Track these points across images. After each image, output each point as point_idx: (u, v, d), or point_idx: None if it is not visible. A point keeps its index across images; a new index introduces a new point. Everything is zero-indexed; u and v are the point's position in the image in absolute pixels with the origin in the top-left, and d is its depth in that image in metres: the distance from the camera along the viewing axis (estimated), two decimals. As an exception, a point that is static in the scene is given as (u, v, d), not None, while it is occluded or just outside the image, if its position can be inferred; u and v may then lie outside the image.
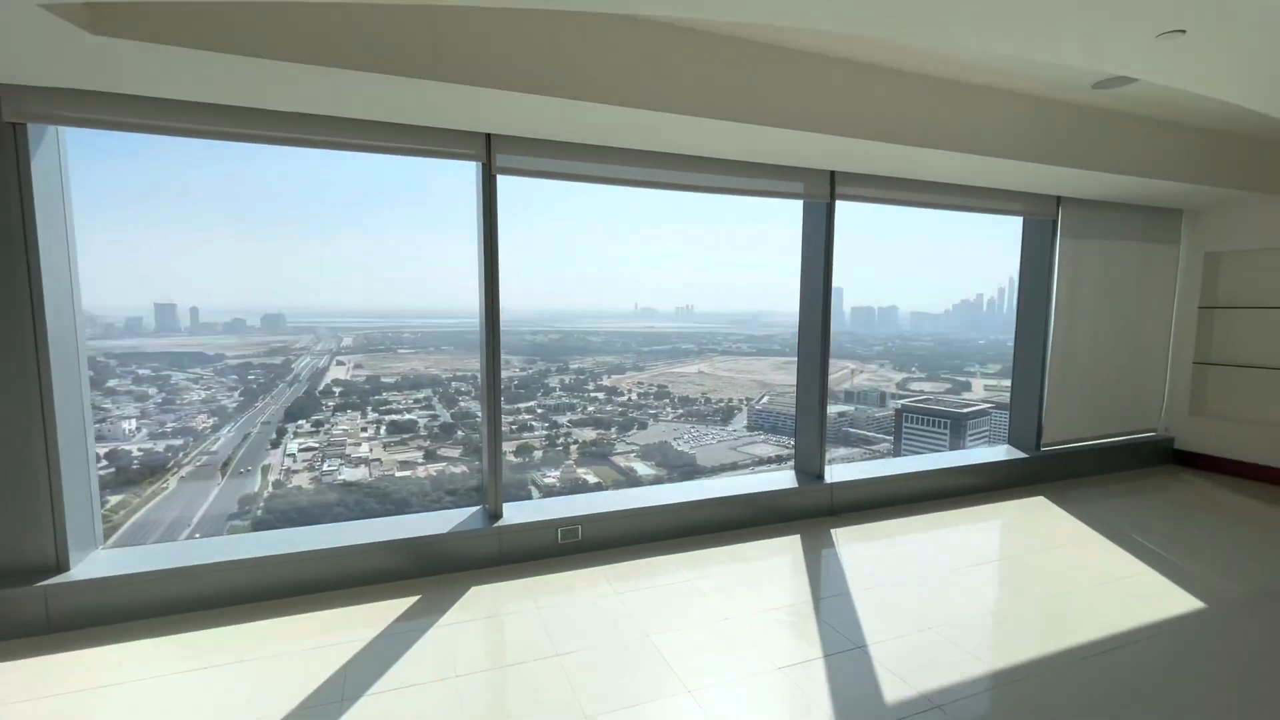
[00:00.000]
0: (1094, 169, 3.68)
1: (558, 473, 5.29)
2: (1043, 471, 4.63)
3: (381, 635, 2.45)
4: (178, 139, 2.50)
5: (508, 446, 5.54)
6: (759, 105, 2.81)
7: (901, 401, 6.52)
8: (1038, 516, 3.91)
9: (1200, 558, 3.28)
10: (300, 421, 5.03)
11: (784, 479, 3.94)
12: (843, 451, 5.99)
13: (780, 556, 3.27)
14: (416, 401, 5.23)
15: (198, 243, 5.35)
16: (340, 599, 2.72)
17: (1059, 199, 4.45)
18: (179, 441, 4.62)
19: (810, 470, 4.01)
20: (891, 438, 6.23)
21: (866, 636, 2.46)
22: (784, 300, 4.41)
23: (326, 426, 5.02)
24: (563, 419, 5.47)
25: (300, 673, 2.20)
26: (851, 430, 6.27)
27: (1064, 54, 2.20)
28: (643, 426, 5.83)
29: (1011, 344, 4.91)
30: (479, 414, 5.41)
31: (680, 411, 6.09)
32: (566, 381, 5.71)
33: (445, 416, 5.24)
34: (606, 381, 6.00)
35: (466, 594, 2.80)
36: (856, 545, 3.42)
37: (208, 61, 2.06)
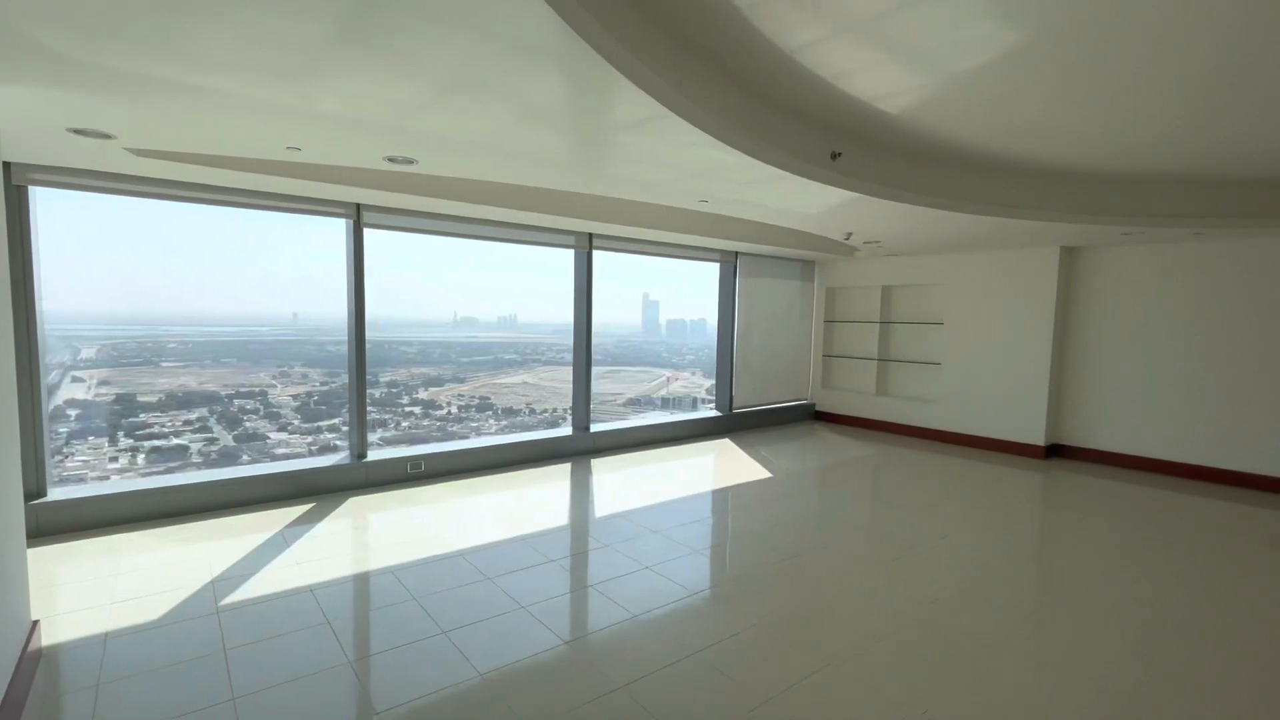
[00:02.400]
0: (751, 241, 6.04)
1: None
2: (734, 425, 7.07)
3: (295, 522, 3.79)
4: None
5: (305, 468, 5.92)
6: (544, 201, 4.58)
7: (711, 406, 7.38)
8: (722, 450, 6.16)
9: (801, 461, 5.71)
10: None
11: (564, 431, 5.82)
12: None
13: (558, 476, 5.03)
14: (187, 424, 4.66)
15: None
16: (255, 510, 3.96)
17: (737, 253, 6.89)
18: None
19: (581, 426, 5.88)
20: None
21: (591, 521, 3.97)
22: (604, 313, 5.61)
23: (59, 460, 4.02)
24: (373, 436, 5.05)
25: (250, 537, 3.49)
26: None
27: (669, 201, 4.25)
28: (464, 439, 5.64)
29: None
30: (270, 435, 5.32)
31: (504, 423, 6.14)
32: (377, 396, 5.27)
33: (227, 440, 4.75)
34: (423, 395, 5.89)
35: (346, 501, 4.21)
36: (607, 470, 5.27)
37: (197, 170, 3.34)
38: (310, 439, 5.01)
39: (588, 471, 5.17)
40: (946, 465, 5.66)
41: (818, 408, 8.00)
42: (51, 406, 4.42)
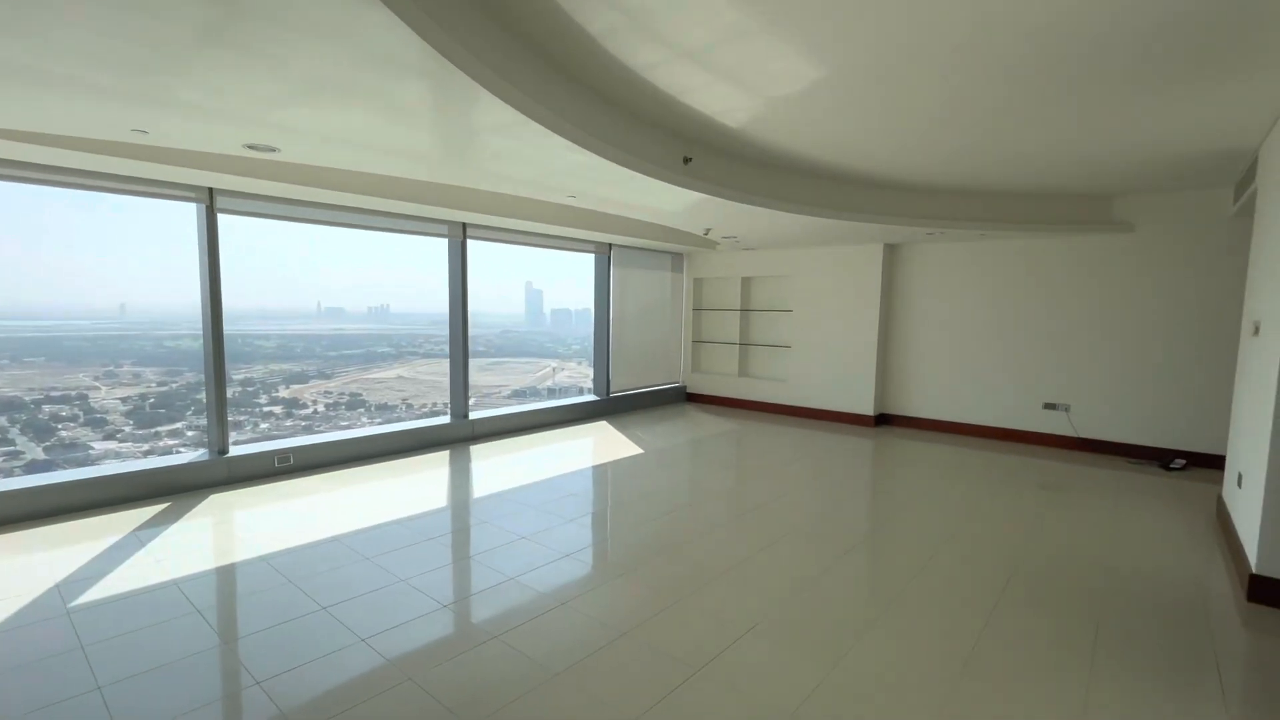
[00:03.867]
0: (623, 234, 6.41)
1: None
2: (611, 408, 7.46)
3: (151, 522, 3.61)
4: None
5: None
6: (417, 191, 4.61)
7: (594, 397, 7.44)
8: (599, 431, 6.51)
9: (671, 439, 6.22)
10: None
11: (443, 420, 5.81)
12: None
13: (436, 463, 5.08)
14: None
15: None
16: (106, 512, 3.71)
17: (610, 245, 7.26)
18: None
19: (460, 413, 5.91)
20: None
21: (473, 499, 4.18)
22: (484, 302, 5.53)
23: None
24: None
25: (91, 547, 3.24)
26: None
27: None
28: (337, 431, 5.41)
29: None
30: (94, 445, 4.82)
31: (378, 420, 5.87)
32: (231, 395, 4.69)
33: (36, 452, 4.24)
34: (284, 393, 5.62)
35: (207, 499, 4.03)
36: (486, 454, 5.39)
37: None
38: (146, 446, 4.54)
39: (467, 457, 5.28)
40: (794, 435, 6.44)
41: (689, 390, 8.62)
42: None
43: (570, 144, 3.13)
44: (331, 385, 5.94)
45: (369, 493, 4.24)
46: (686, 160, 3.99)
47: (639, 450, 5.66)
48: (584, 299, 7.58)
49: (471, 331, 5.86)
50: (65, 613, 2.58)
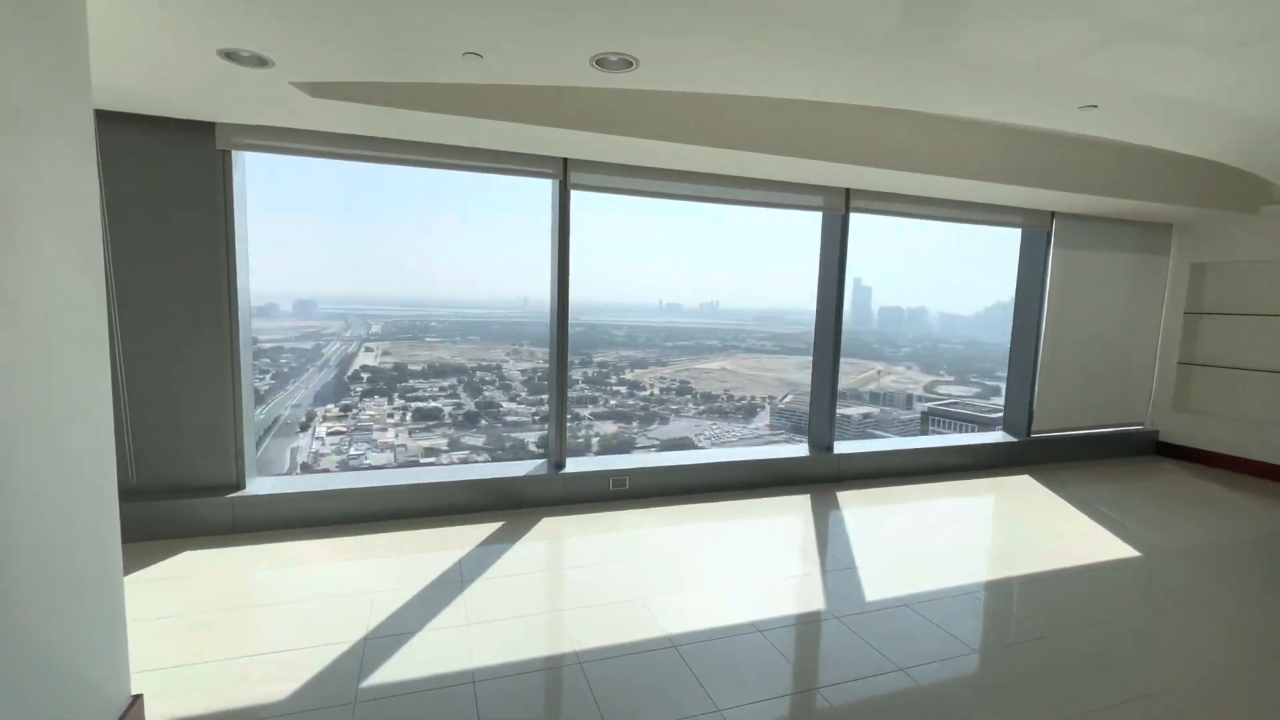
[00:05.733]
0: (1081, 192, 4.07)
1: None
2: (1031, 454, 5.06)
3: (480, 545, 3.16)
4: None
5: (529, 436, 5.82)
6: (787, 140, 3.36)
7: (929, 405, 6.42)
8: (1021, 491, 4.35)
9: (1175, 529, 3.67)
10: (329, 406, 5.22)
11: (799, 450, 4.52)
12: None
13: (794, 508, 3.89)
14: (442, 390, 5.40)
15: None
16: (443, 522, 3.43)
17: (1053, 214, 4.84)
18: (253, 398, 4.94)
19: (821, 444, 4.53)
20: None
21: (857, 561, 3.08)
22: (809, 299, 4.73)
23: (354, 412, 5.21)
24: (585, 411, 5.51)
25: (426, 565, 2.90)
26: (876, 432, 6.22)
27: (1013, 118, 2.90)
28: (664, 421, 5.87)
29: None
30: (503, 404, 5.64)
31: (702, 408, 6.06)
32: (590, 374, 5.73)
33: (470, 405, 5.41)
34: (629, 375, 6.11)
35: (540, 522, 3.51)
36: (857, 504, 3.97)
37: (379, 112, 2.76)
38: (534, 410, 5.42)
39: (834, 511, 3.84)
40: None
41: (1163, 437, 5.54)
42: (349, 372, 5.40)
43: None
44: (665, 372, 6.29)
45: (710, 550, 3.19)
46: None
47: (1125, 548, 3.36)
48: (917, 296, 7.01)
49: (793, 329, 5.60)
50: (352, 700, 1.94)
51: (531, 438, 5.38)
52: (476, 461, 4.45)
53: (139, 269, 2.98)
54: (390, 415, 5.22)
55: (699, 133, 3.16)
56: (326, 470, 4.96)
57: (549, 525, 3.46)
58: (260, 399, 5.24)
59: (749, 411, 6.10)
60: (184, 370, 3.10)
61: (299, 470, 4.84)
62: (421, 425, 5.23)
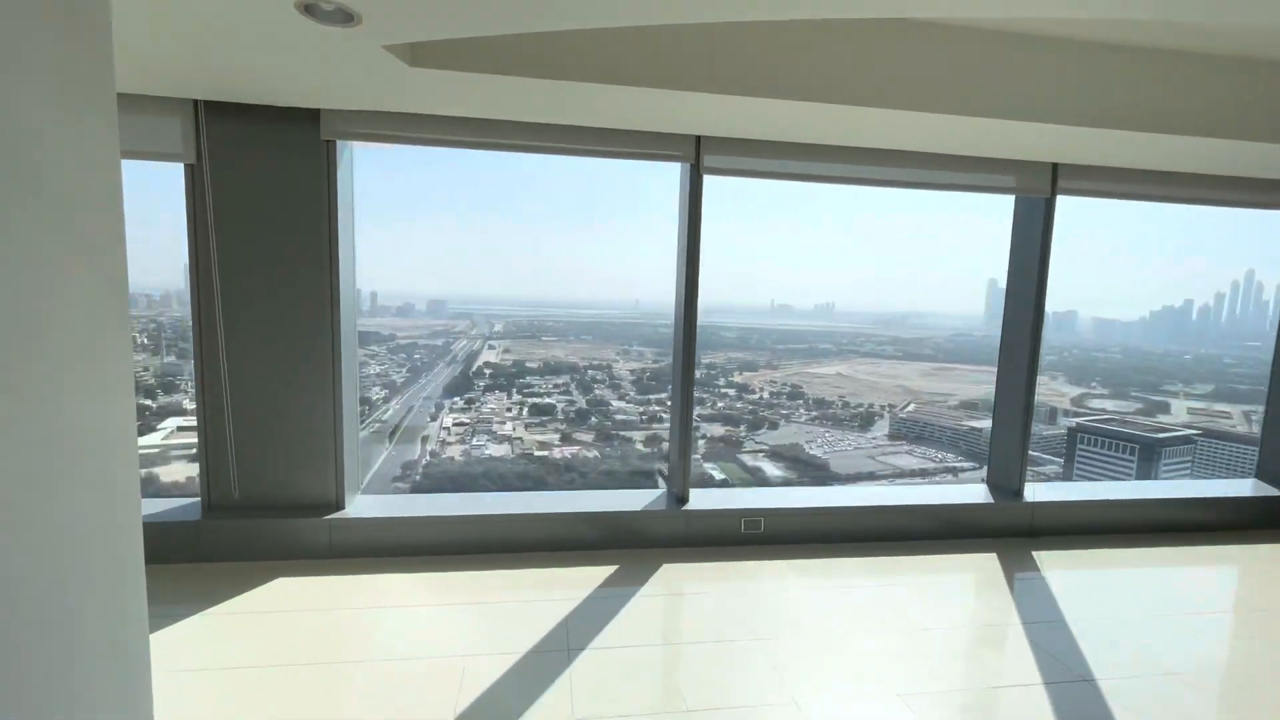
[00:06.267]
0: None
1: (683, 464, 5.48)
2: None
3: (590, 598, 2.75)
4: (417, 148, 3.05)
5: (636, 435, 5.94)
6: (972, 95, 2.63)
7: (1076, 420, 5.78)
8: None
9: None
10: (455, 399, 5.65)
11: (975, 493, 3.73)
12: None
13: (976, 573, 3.14)
14: (555, 386, 5.67)
15: (382, 237, 6.27)
16: (550, 560, 3.10)
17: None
18: (359, 409, 5.52)
19: (1006, 487, 3.76)
20: (1061, 460, 5.53)
21: (1093, 670, 2.29)
22: (945, 301, 4.31)
23: (477, 405, 5.61)
24: (692, 413, 5.80)
25: (527, 621, 2.55)
26: None
27: None
28: (773, 426, 5.74)
29: (1228, 360, 4.34)
30: (612, 403, 5.80)
31: (814, 414, 5.89)
32: (698, 376, 5.87)
33: (581, 403, 5.60)
34: (738, 378, 6.07)
35: (659, 570, 3.05)
36: (1065, 571, 3.16)
37: (486, 83, 2.45)
38: (641, 409, 5.59)
39: (1036, 581, 3.06)
40: None
41: None
42: (474, 368, 5.81)
43: None
44: (776, 375, 6.22)
45: (872, 631, 2.54)
46: None
47: None
48: (1064, 298, 5.96)
49: (919, 334, 5.39)
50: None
51: (639, 436, 5.52)
52: (587, 475, 4.53)
53: (244, 273, 2.86)
54: (509, 409, 5.54)
55: (851, 91, 2.59)
56: (451, 457, 5.36)
57: (670, 575, 2.99)
58: (396, 390, 5.78)
59: (866, 420, 5.88)
60: (286, 379, 2.94)
61: (428, 456, 5.26)
62: (536, 420, 5.50)
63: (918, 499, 3.62)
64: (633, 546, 3.29)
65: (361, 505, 3.19)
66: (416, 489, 5.02)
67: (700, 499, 3.46)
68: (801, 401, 6.02)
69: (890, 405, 5.90)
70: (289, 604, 2.62)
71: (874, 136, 3.04)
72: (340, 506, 3.10)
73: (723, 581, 2.96)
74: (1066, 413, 5.89)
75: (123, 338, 1.23)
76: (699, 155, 3.19)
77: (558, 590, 2.82)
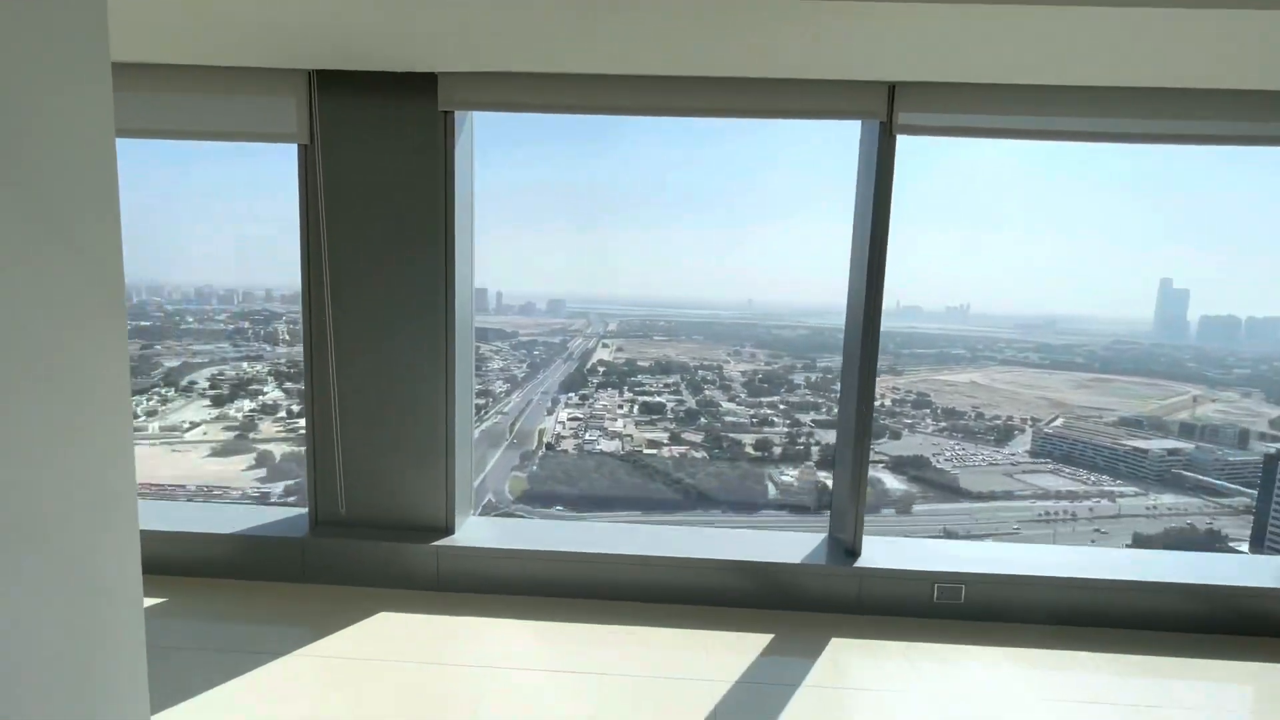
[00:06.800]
0: None
1: (796, 472, 5.33)
2: None
3: (741, 680, 2.23)
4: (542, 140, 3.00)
5: (746, 438, 5.82)
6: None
7: (1278, 445, 4.98)
8: None
9: None
10: (570, 394, 5.91)
11: (1263, 572, 2.76)
12: (1168, 500, 4.85)
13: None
14: (666, 386, 5.77)
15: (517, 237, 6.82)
16: (687, 616, 2.63)
17: None
18: (480, 401, 5.88)
19: None
20: (1255, 492, 4.72)
21: None
22: (1109, 304, 3.79)
23: (590, 401, 5.74)
24: (805, 418, 5.44)
25: (662, 705, 2.10)
26: (1186, 474, 4.95)
27: None
28: (895, 436, 5.52)
29: None
30: (722, 404, 5.77)
31: (943, 424, 5.62)
32: (813, 379, 5.63)
33: (691, 403, 5.68)
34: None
35: (828, 647, 2.44)
36: None
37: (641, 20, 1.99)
38: (751, 411, 5.54)
39: None
40: None
41: None
42: (588, 365, 6.05)
43: None
44: (899, 382, 5.89)
45: None
46: None
47: None
48: (1259, 301, 5.47)
49: (1068, 340, 5.18)
50: None
51: (748, 439, 5.50)
52: (695, 475, 4.48)
53: (355, 268, 2.66)
54: (620, 406, 5.71)
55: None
56: (565, 450, 5.62)
57: (841, 655, 2.37)
58: (517, 384, 6.17)
59: (1004, 434, 5.50)
60: (396, 386, 2.73)
61: (544, 449, 5.58)
62: (646, 418, 5.59)
63: (1181, 578, 2.66)
64: (791, 608, 2.70)
65: (473, 530, 2.90)
66: (533, 480, 5.45)
67: (878, 552, 2.77)
68: (928, 410, 5.74)
69: (1033, 419, 5.48)
70: (390, 650, 2.36)
71: (1142, 62, 2.11)
72: (450, 530, 2.83)
73: (914, 673, 2.30)
74: (1263, 436, 5.08)
75: (118, 334, 1.13)
76: (892, 109, 2.49)
77: (699, 663, 2.31)
